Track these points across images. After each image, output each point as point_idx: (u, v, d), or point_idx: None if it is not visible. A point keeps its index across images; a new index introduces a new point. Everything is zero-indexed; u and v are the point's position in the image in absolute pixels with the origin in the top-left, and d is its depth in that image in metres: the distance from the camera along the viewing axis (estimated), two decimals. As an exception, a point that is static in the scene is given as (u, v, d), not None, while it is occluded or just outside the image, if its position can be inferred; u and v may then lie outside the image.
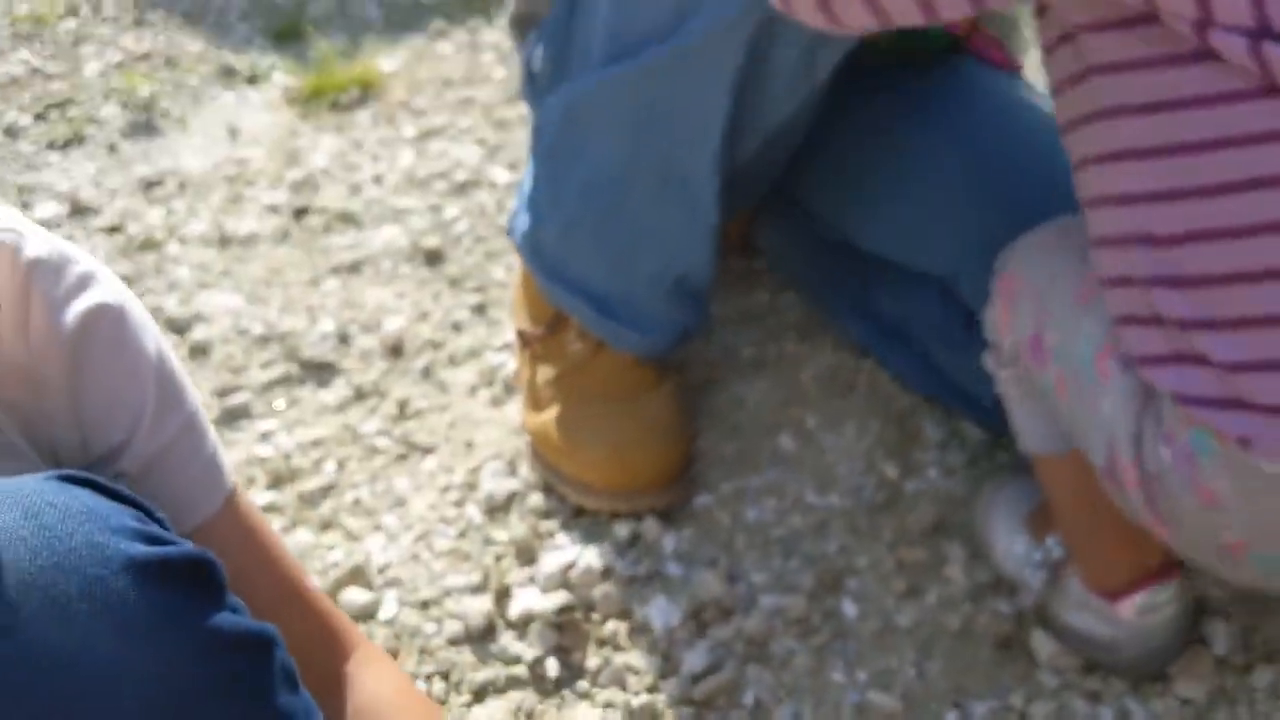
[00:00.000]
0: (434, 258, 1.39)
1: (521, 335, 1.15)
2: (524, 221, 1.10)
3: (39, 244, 0.57)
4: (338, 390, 1.21)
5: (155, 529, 0.49)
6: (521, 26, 1.22)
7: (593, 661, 0.93)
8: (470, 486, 1.08)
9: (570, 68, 1.05)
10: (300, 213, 1.49)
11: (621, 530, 1.02)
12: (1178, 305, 0.62)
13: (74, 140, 1.66)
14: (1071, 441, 0.82)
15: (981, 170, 1.06)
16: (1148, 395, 0.68)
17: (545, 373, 1.11)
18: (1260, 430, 0.60)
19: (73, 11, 2.00)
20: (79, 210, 1.50)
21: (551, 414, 1.08)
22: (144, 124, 1.71)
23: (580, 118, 0.99)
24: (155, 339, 0.62)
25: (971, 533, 0.99)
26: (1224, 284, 0.61)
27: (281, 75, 1.81)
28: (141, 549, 0.46)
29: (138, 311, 0.61)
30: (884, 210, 1.12)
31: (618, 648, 0.94)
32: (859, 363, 1.18)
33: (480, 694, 0.91)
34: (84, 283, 0.58)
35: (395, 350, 1.25)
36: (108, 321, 0.59)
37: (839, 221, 1.18)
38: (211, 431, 0.66)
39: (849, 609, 0.95)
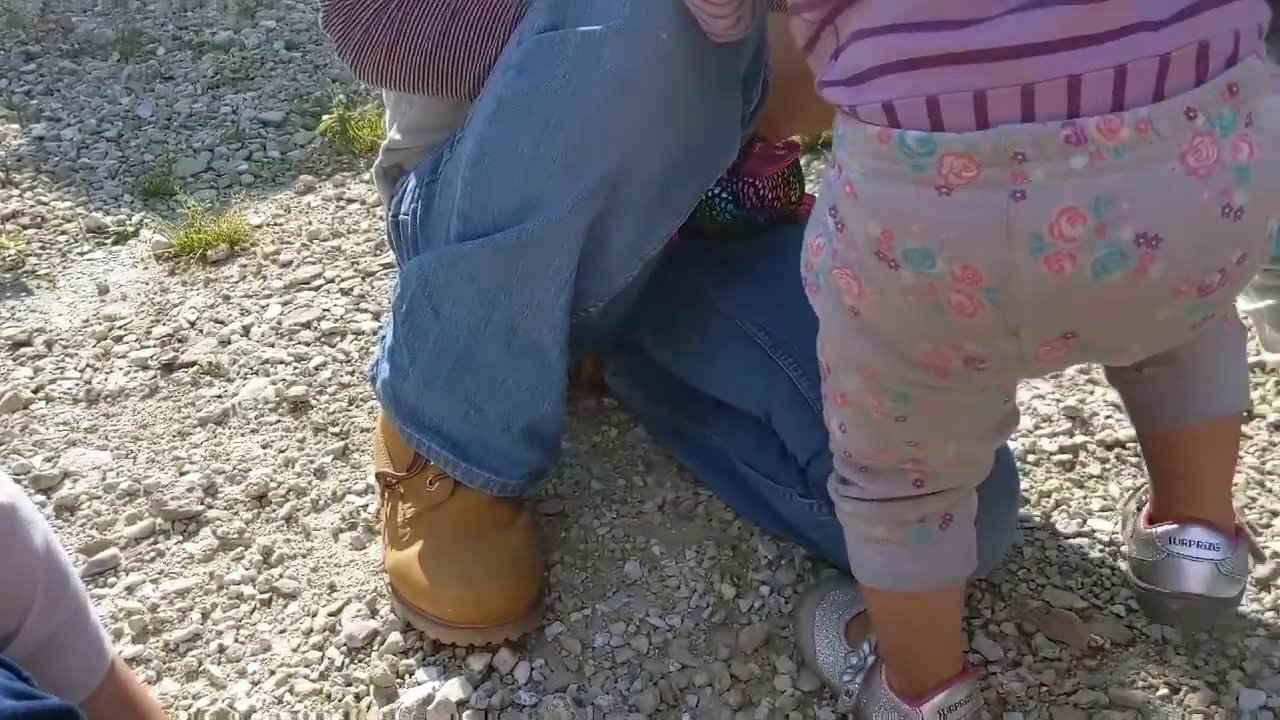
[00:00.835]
0: (299, 406, 1.45)
1: (382, 477, 1.22)
2: (385, 371, 1.18)
3: None
4: (203, 541, 1.25)
5: (22, 685, 0.55)
6: (388, 178, 1.32)
7: (450, 791, 0.98)
8: (332, 629, 1.13)
9: (430, 234, 1.15)
10: (168, 367, 1.54)
11: (477, 663, 1.08)
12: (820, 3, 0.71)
13: (-60, 302, 1.69)
14: (901, 582, 0.91)
15: (790, 321, 1.18)
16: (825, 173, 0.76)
17: (405, 512, 1.18)
18: (859, 96, 0.67)
19: (-60, 173, 2.04)
20: (-56, 372, 1.53)
21: (411, 552, 1.15)
22: (11, 283, 1.75)
23: (435, 284, 1.08)
24: (43, 532, 0.68)
25: (797, 644, 1.08)
26: None
27: (150, 232, 1.87)
28: (9, 704, 0.52)
29: (27, 508, 0.67)
30: (709, 356, 1.24)
31: (474, 776, 0.99)
32: (698, 492, 1.28)
33: (341, 830, 0.95)
34: None
35: (260, 498, 1.31)
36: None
37: (674, 366, 1.30)
38: (92, 608, 0.72)
39: (689, 724, 1.03)
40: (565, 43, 0.95)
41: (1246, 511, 1.21)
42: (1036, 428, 1.35)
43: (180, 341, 1.60)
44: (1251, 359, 1.39)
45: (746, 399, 1.21)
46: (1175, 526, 0.93)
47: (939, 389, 0.77)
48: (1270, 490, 1.24)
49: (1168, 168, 0.63)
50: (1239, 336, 0.93)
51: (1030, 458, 1.31)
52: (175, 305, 1.69)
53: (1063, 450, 1.31)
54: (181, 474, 1.35)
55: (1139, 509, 1.00)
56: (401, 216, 1.24)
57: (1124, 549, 1.05)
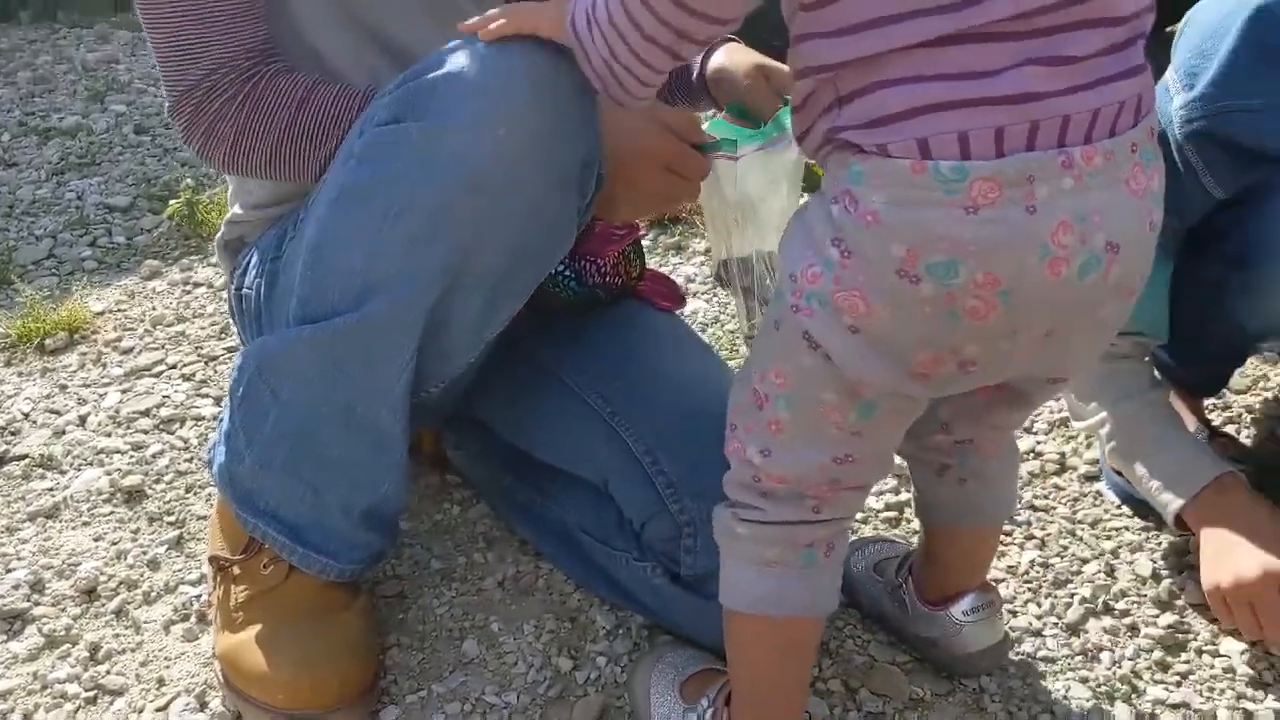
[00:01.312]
0: (134, 496, 1.43)
1: (215, 560, 1.20)
2: (221, 454, 1.17)
3: None
4: (28, 639, 1.22)
5: None
6: (230, 251, 1.32)
7: None
8: (158, 724, 1.11)
9: (274, 310, 1.15)
10: (-2, 461, 1.50)
11: (308, 751, 1.06)
12: (827, 53, 0.79)
13: None
14: (781, 605, 0.94)
15: (628, 390, 1.22)
16: (804, 214, 0.84)
17: (238, 596, 1.16)
18: (888, 135, 0.76)
19: None
20: None
21: (243, 637, 1.13)
22: None
23: (273, 368, 1.08)
24: None
25: (633, 711, 1.09)
26: (855, 30, 0.77)
27: (-15, 322, 1.82)
28: None
29: None
30: (549, 425, 1.26)
31: None
32: (539, 565, 1.29)
33: None
34: None
35: (89, 593, 1.27)
36: None
37: (514, 436, 1.31)
38: None
39: (521, 801, 1.03)
40: (407, 135, 0.97)
41: (1058, 560, 1.27)
42: (866, 488, 1.39)
43: (13, 434, 1.56)
44: (1062, 414, 1.47)
45: (585, 466, 1.23)
46: (960, 602, 1.09)
47: (910, 400, 0.87)
48: (1080, 539, 1.30)
49: (1120, 189, 0.78)
50: (1017, 453, 1.11)
51: (859, 515, 1.35)
52: (10, 397, 1.64)
53: (889, 508, 1.36)
54: (8, 571, 1.31)
55: (900, 587, 1.15)
56: (245, 290, 1.24)
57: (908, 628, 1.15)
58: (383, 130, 0.98)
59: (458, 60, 0.96)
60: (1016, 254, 0.76)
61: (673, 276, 1.90)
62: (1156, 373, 1.34)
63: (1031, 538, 1.31)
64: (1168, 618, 1.19)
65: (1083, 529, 1.32)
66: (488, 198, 0.97)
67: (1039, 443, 1.45)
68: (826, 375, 0.85)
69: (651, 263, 1.96)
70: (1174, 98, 1.13)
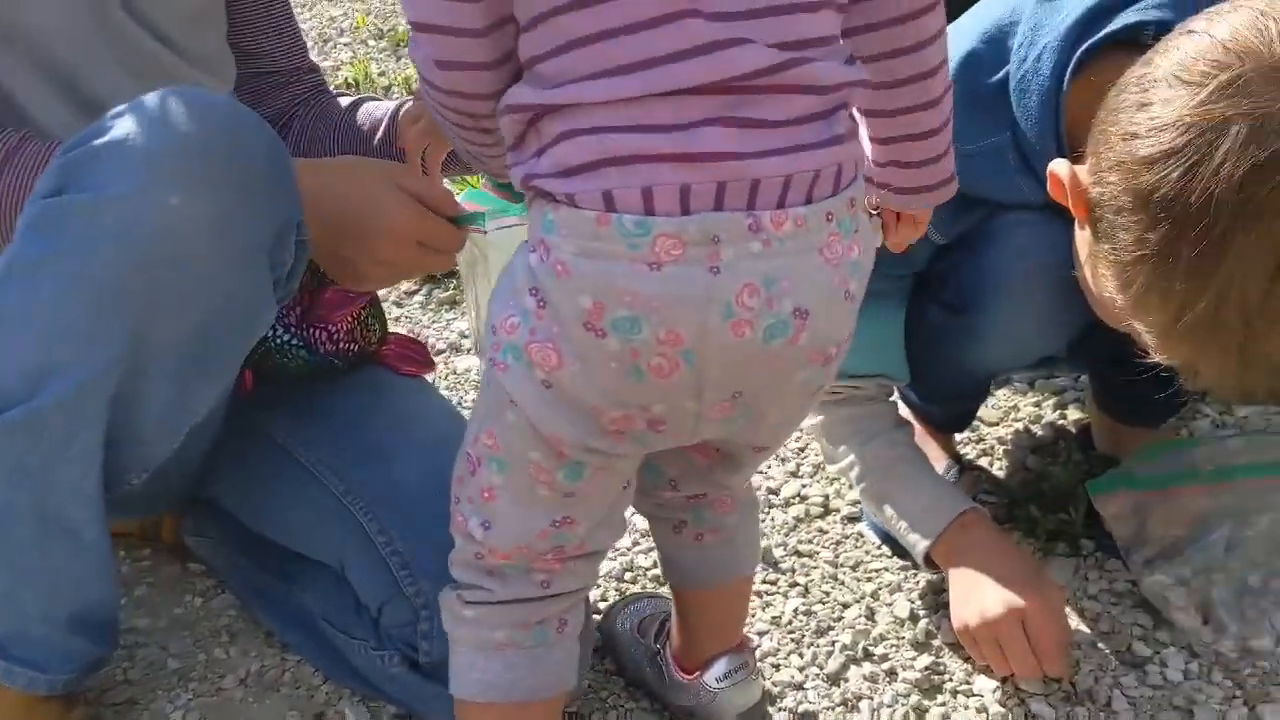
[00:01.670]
0: None
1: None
2: None
3: None
4: None
5: None
6: None
7: None
8: None
9: None
10: None
11: None
12: (526, 96, 0.77)
13: None
14: (512, 690, 0.90)
15: (361, 464, 1.15)
16: (510, 264, 0.82)
17: (-67, 722, 1.05)
18: (576, 185, 0.75)
19: None
20: None
21: (-63, 770, 1.02)
22: None
23: None
24: None
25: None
26: (557, 85, 0.75)
27: None
28: None
29: None
30: (282, 506, 1.19)
31: None
32: (285, 658, 1.21)
33: None
34: None
35: None
36: None
37: (250, 519, 1.24)
38: None
39: None
40: (70, 208, 0.91)
41: (820, 607, 1.26)
42: (635, 544, 1.36)
43: None
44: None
45: (321, 549, 1.17)
46: (712, 668, 1.06)
47: (612, 456, 0.84)
48: (842, 583, 1.30)
49: (812, 257, 0.76)
50: (756, 506, 1.10)
51: (628, 575, 1.32)
52: None
53: (657, 564, 1.33)
54: None
55: (658, 653, 1.12)
56: None
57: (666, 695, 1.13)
58: (48, 203, 0.91)
59: (125, 125, 0.90)
60: (698, 313, 0.75)
61: (446, 332, 1.85)
62: (905, 411, 1.36)
63: (795, 585, 1.30)
64: (924, 659, 1.19)
65: (844, 572, 1.32)
66: (162, 271, 0.90)
67: (804, 485, 1.45)
68: (529, 433, 0.83)
69: (424, 318, 1.90)
70: None
